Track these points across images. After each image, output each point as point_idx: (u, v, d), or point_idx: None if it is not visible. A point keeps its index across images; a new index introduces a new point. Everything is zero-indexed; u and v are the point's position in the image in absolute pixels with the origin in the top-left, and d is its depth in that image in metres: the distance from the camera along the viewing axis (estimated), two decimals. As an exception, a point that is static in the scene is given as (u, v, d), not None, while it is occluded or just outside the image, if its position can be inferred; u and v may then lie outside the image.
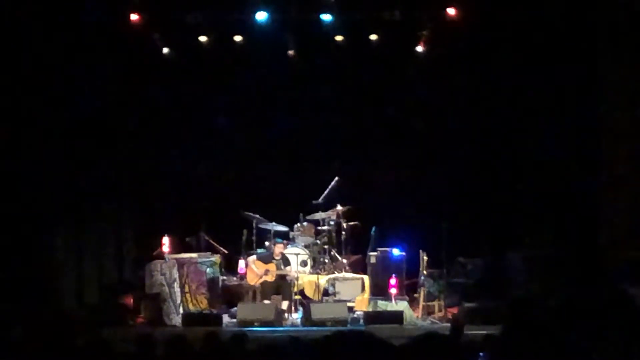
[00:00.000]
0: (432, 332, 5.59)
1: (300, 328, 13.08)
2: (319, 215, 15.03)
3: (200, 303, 14.04)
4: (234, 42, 15.45)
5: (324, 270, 14.71)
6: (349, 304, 13.70)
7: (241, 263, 14.37)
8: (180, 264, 13.91)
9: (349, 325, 12.97)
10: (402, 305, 13.47)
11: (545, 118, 14.69)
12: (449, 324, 12.28)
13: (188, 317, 13.27)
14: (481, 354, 6.67)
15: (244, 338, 7.57)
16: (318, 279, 14.25)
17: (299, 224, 15.06)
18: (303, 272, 14.44)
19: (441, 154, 15.83)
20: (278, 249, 14.14)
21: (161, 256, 14.14)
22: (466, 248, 14.64)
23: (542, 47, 14.44)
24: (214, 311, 13.81)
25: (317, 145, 16.14)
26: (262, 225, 14.79)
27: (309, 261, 14.75)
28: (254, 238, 14.65)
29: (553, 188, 14.60)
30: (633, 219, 13.64)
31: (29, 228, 13.39)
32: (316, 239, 15.07)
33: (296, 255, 14.41)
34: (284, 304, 13.76)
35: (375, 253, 14.59)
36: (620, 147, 14.02)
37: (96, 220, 14.85)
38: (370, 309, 13.59)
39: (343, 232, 14.86)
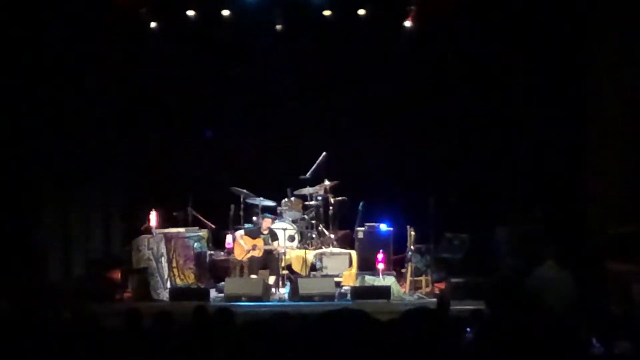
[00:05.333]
0: (419, 307, 5.62)
1: (288, 303, 13.09)
2: (307, 191, 15.04)
3: (188, 277, 14.07)
4: (222, 16, 15.38)
5: (312, 245, 14.74)
6: (337, 279, 13.71)
7: (229, 238, 14.41)
8: (168, 238, 13.89)
9: (336, 300, 13.00)
10: (389, 281, 13.47)
11: (535, 95, 14.69)
12: (436, 299, 12.35)
13: (175, 292, 13.26)
14: (468, 329, 6.71)
15: (231, 313, 7.56)
16: (305, 253, 14.26)
17: (286, 199, 15.07)
18: (290, 247, 14.47)
19: (429, 129, 15.81)
20: (266, 224, 14.15)
21: (149, 230, 14.12)
22: (453, 223, 14.66)
23: (531, 21, 14.43)
24: (202, 286, 13.82)
25: (305, 121, 16.10)
26: (249, 200, 14.80)
27: (296, 236, 14.77)
28: (241, 213, 14.68)
29: (540, 163, 14.64)
30: (619, 194, 13.67)
31: (15, 202, 13.34)
32: (304, 214, 15.08)
33: (284, 230, 14.44)
34: (272, 279, 13.77)
35: (362, 228, 14.60)
36: (608, 123, 14.03)
37: (83, 194, 14.82)
38: (357, 284, 13.59)
39: (330, 207, 14.88)
